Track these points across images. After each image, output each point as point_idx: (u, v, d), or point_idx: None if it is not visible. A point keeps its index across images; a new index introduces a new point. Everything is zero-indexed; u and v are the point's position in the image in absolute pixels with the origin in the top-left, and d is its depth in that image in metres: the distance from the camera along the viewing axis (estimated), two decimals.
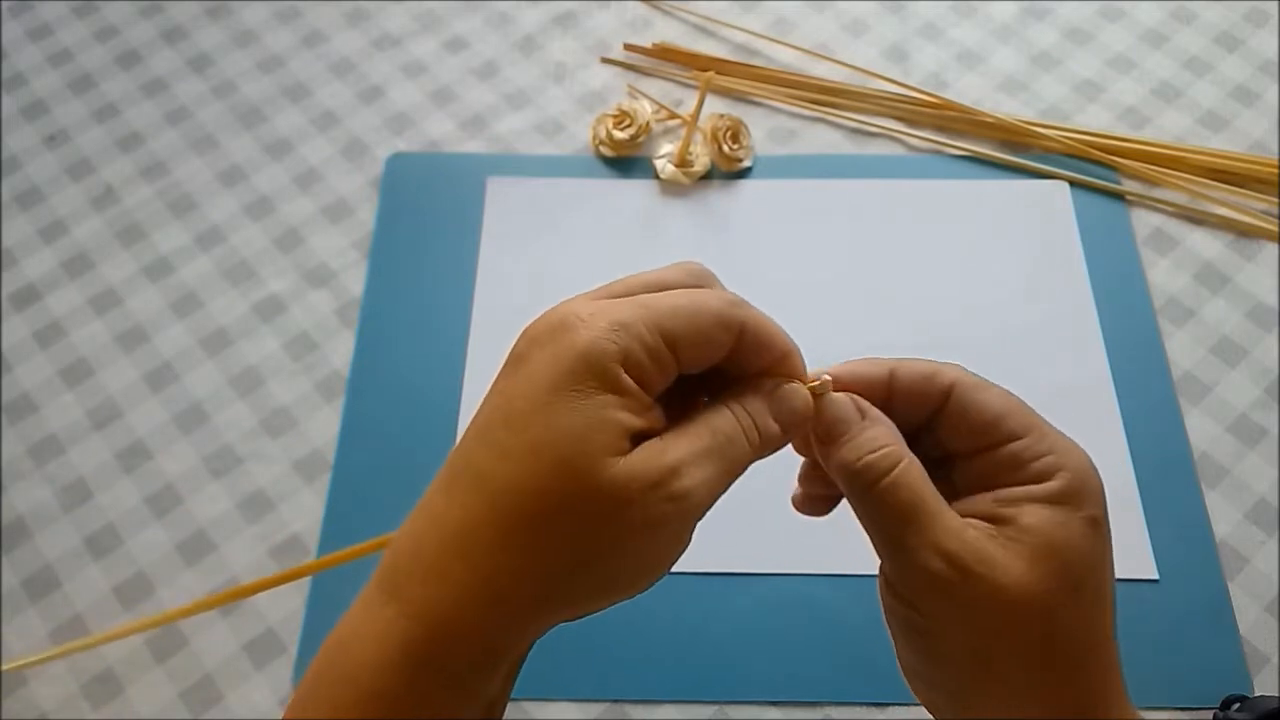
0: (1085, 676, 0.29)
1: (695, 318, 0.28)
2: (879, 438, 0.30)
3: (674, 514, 0.28)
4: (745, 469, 0.30)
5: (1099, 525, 0.30)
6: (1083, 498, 0.30)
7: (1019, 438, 0.30)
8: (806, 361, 0.32)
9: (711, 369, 0.30)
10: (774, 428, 0.30)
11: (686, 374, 0.30)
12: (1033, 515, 0.29)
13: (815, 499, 0.34)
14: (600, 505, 0.27)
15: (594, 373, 0.27)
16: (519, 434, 0.27)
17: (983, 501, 0.30)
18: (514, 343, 0.29)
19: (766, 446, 0.30)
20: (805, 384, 0.31)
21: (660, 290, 0.30)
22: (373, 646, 0.27)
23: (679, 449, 0.28)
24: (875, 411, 0.31)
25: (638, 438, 0.28)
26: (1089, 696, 0.30)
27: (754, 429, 0.30)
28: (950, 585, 0.29)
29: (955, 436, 0.31)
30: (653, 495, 0.27)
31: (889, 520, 0.30)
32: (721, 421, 0.29)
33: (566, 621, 0.28)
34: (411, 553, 0.28)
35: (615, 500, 0.27)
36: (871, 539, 0.31)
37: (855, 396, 0.31)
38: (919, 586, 0.29)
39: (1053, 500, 0.29)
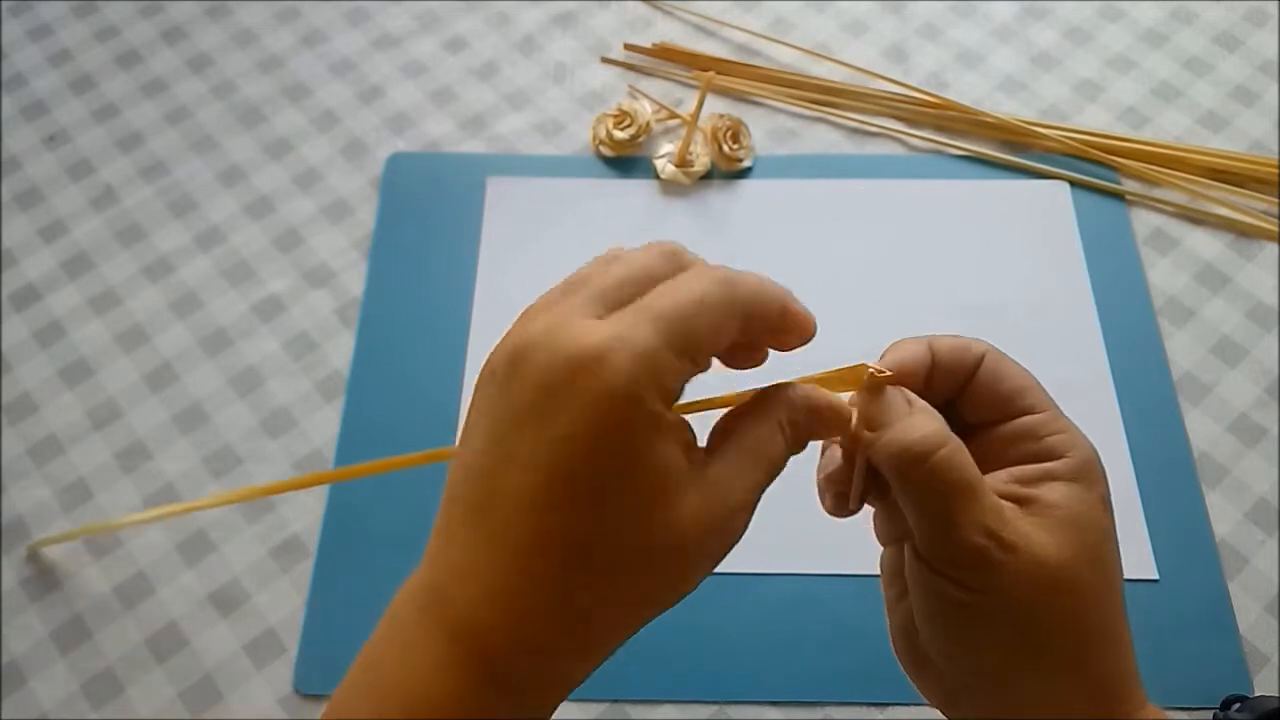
0: (1117, 651, 0.30)
1: (708, 317, 0.28)
2: (929, 421, 0.31)
3: (730, 547, 0.29)
4: None
5: (1109, 506, 0.31)
6: (1094, 477, 0.31)
7: (1037, 413, 0.32)
8: (808, 360, 0.32)
9: None
10: (812, 434, 0.31)
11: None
12: (1054, 492, 0.30)
13: (845, 497, 0.34)
14: (669, 557, 0.28)
15: (638, 421, 0.26)
16: (575, 494, 0.26)
17: (1003, 481, 0.31)
18: (514, 353, 0.27)
19: (798, 451, 0.31)
20: (862, 380, 0.31)
21: (645, 279, 0.29)
22: (438, 680, 0.27)
23: (740, 488, 0.29)
24: (921, 402, 0.32)
25: (689, 460, 0.28)
26: (1121, 671, 0.30)
27: (796, 441, 0.30)
28: (995, 559, 0.29)
29: (979, 406, 0.32)
30: (717, 540, 0.28)
31: (938, 496, 0.30)
32: (775, 449, 0.30)
33: None
34: (471, 595, 0.27)
35: (683, 551, 0.28)
36: (915, 516, 0.31)
37: (903, 389, 0.32)
38: (965, 561, 0.30)
39: (1070, 477, 0.31)
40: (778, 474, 0.30)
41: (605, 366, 0.26)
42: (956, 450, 0.30)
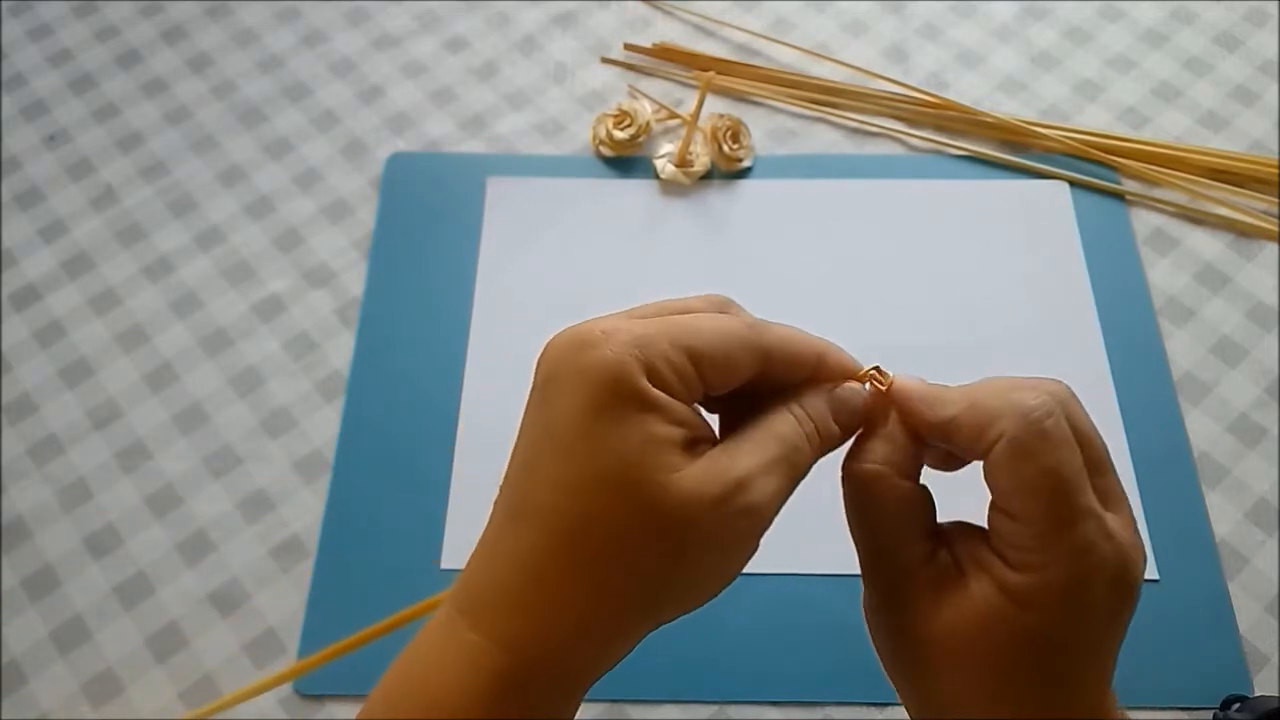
0: None
1: (717, 338, 0.29)
2: (882, 452, 0.31)
3: (745, 529, 0.28)
4: (807, 473, 0.30)
5: (1035, 638, 0.29)
6: (1034, 605, 0.28)
7: (1020, 521, 0.29)
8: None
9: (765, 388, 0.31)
10: (835, 429, 0.31)
11: (715, 394, 0.30)
12: (982, 588, 0.29)
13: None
14: (666, 525, 0.27)
15: (624, 390, 0.27)
16: (569, 465, 0.27)
17: (965, 542, 0.31)
18: (537, 363, 0.29)
19: (826, 447, 0.31)
20: (859, 375, 0.32)
21: (681, 308, 0.30)
22: (461, 673, 0.28)
23: (745, 460, 0.28)
24: (894, 427, 0.31)
25: (690, 444, 0.28)
26: None
27: (815, 433, 0.30)
28: (877, 615, 0.32)
29: (991, 486, 0.30)
30: (722, 510, 0.27)
31: (862, 525, 0.31)
32: (784, 427, 0.30)
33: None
34: (490, 585, 0.29)
35: (681, 519, 0.27)
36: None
37: (894, 409, 0.31)
38: (866, 601, 0.32)
39: (1005, 590, 0.29)
40: (799, 459, 0.29)
41: (603, 337, 0.27)
42: (891, 492, 0.30)
